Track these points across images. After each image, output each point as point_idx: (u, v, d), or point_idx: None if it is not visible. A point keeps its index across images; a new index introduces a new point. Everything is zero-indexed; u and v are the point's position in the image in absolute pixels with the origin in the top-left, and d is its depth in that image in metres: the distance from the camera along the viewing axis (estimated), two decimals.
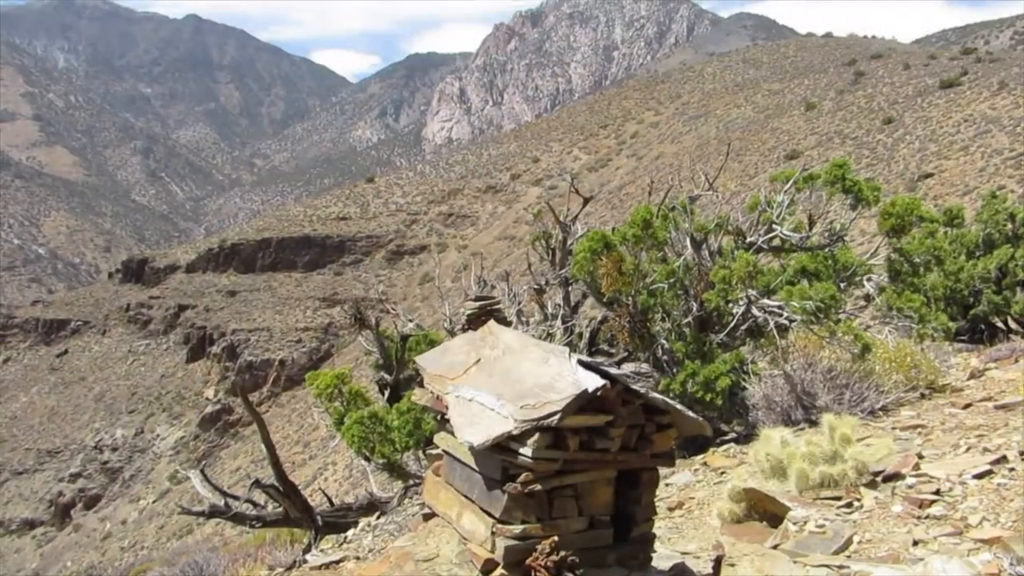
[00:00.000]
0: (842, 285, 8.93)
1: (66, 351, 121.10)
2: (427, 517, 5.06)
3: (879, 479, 5.00)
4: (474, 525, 4.30)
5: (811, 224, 9.42)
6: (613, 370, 4.08)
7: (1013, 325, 13.75)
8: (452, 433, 4.32)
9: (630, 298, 8.70)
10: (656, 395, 4.18)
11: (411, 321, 10.58)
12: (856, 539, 4.29)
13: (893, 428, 6.85)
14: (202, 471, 9.71)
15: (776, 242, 9.48)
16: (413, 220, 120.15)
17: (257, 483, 9.49)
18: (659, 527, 5.82)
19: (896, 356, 8.23)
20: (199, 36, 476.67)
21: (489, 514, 4.17)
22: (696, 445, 8.39)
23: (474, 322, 4.77)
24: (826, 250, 9.18)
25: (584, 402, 3.87)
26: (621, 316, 8.78)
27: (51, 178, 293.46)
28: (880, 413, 7.60)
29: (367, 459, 9.71)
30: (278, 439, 77.56)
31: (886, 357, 8.24)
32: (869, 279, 9.10)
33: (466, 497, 4.42)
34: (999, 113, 55.55)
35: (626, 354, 9.29)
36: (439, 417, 4.61)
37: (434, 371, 4.65)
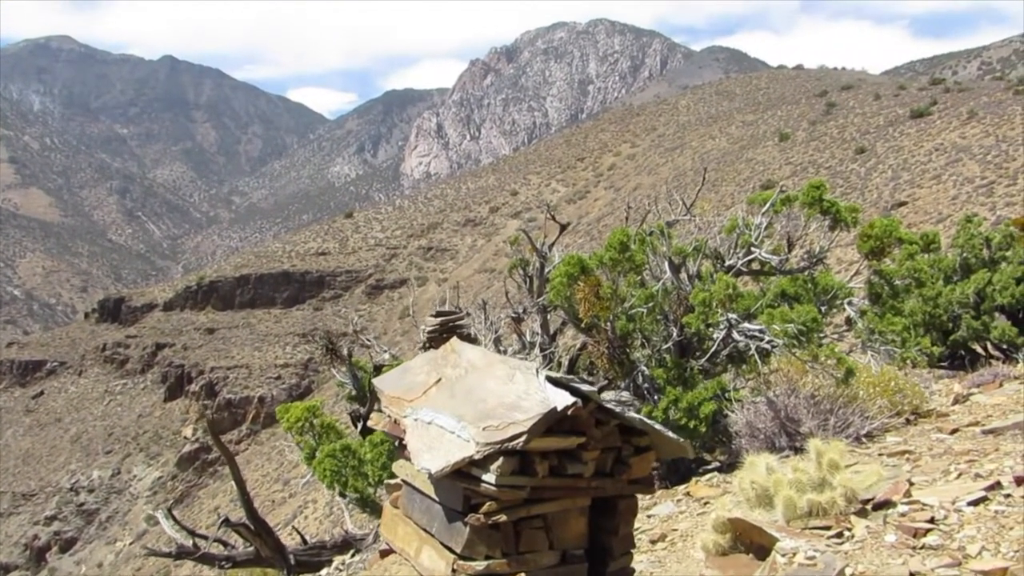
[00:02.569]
0: (823, 309, 8.81)
1: (42, 392, 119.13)
2: (384, 553, 4.70)
3: (870, 507, 4.76)
4: (434, 562, 3.96)
5: (790, 247, 9.32)
6: (585, 387, 3.81)
7: (993, 351, 13.69)
8: (411, 460, 4.01)
9: (609, 324, 8.51)
10: (633, 414, 3.92)
11: (386, 352, 10.33)
12: (848, 571, 4.00)
13: (880, 454, 6.67)
14: (169, 511, 9.36)
15: (755, 265, 9.35)
16: (392, 254, 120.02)
17: (226, 521, 9.15)
18: (640, 561, 5.57)
19: (880, 381, 8.08)
20: (175, 76, 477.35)
21: (450, 549, 3.85)
22: (679, 475, 8.17)
23: (435, 340, 4.51)
24: (806, 273, 9.07)
25: (553, 422, 3.59)
26: (600, 342, 8.59)
27: (26, 219, 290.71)
28: (865, 439, 7.43)
29: (342, 495, 9.40)
30: (257, 477, 76.32)
31: (870, 382, 8.08)
32: (850, 302, 8.98)
33: (425, 531, 4.10)
34: (969, 142, 56.51)
35: (606, 382, 9.08)
36: (397, 443, 4.31)
37: (392, 393, 4.33)
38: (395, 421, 4.22)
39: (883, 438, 7.52)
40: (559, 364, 9.89)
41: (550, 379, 3.82)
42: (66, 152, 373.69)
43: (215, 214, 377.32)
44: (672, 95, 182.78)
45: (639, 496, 4.27)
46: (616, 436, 3.90)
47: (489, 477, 3.55)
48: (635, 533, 5.97)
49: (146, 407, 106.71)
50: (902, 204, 50.30)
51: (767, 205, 9.37)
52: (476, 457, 3.54)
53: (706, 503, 6.69)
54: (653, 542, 5.89)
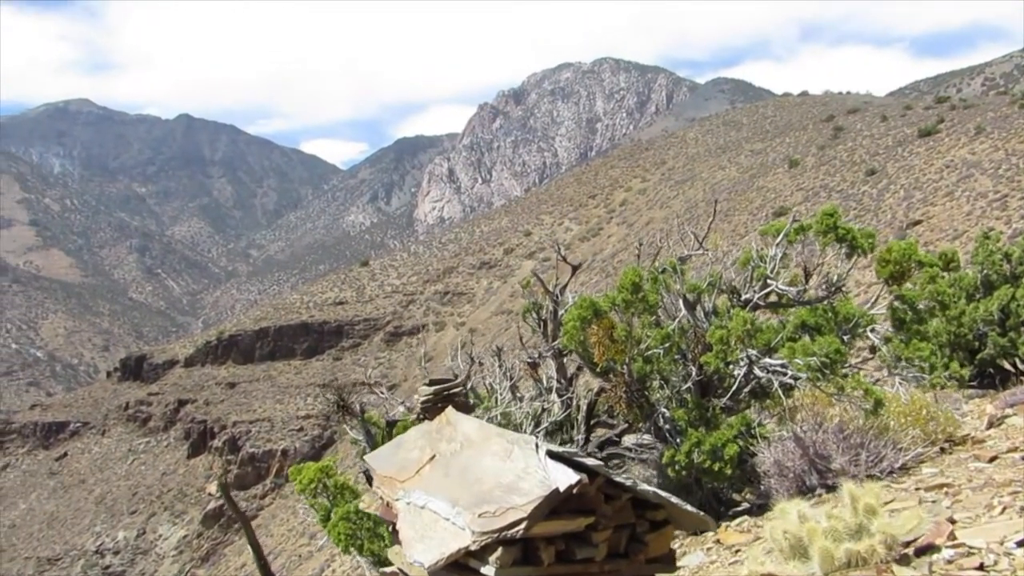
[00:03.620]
0: (845, 338, 8.54)
1: (65, 454, 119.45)
2: None
3: (912, 552, 4.41)
4: None
5: (807, 277, 9.06)
6: (590, 461, 3.46)
7: (1022, 366, 13.31)
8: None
9: (625, 366, 8.26)
10: (646, 487, 3.58)
11: (401, 404, 10.12)
12: None
13: (917, 489, 6.34)
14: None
15: (772, 298, 9.10)
16: (410, 300, 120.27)
17: None
18: None
19: (911, 410, 7.75)
20: (191, 134, 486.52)
21: None
22: None
23: (430, 411, 4.22)
24: (825, 303, 8.80)
25: (556, 503, 3.26)
26: (617, 386, 8.33)
27: (48, 281, 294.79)
28: (900, 472, 7.10)
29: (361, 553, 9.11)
30: (283, 531, 75.67)
31: (900, 411, 7.76)
32: (873, 330, 8.69)
33: None
34: (979, 157, 56.21)
35: (626, 425, 8.82)
36: (391, 528, 3.92)
37: (384, 472, 4.02)
38: (387, 504, 3.91)
39: (919, 470, 7.19)
40: (577, 408, 9.63)
41: (551, 454, 3.50)
42: (86, 213, 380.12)
43: (233, 268, 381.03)
44: (680, 128, 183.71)
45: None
46: (629, 512, 3.58)
47: (488, 570, 3.24)
48: None
49: (170, 464, 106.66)
50: (917, 223, 49.88)
51: (781, 235, 9.16)
52: (472, 548, 3.21)
53: (737, 551, 6.36)
54: None
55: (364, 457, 4.29)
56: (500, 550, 3.19)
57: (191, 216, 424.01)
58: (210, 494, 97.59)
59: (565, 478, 3.28)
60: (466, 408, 4.18)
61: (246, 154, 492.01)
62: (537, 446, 3.54)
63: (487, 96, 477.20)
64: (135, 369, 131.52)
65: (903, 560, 4.33)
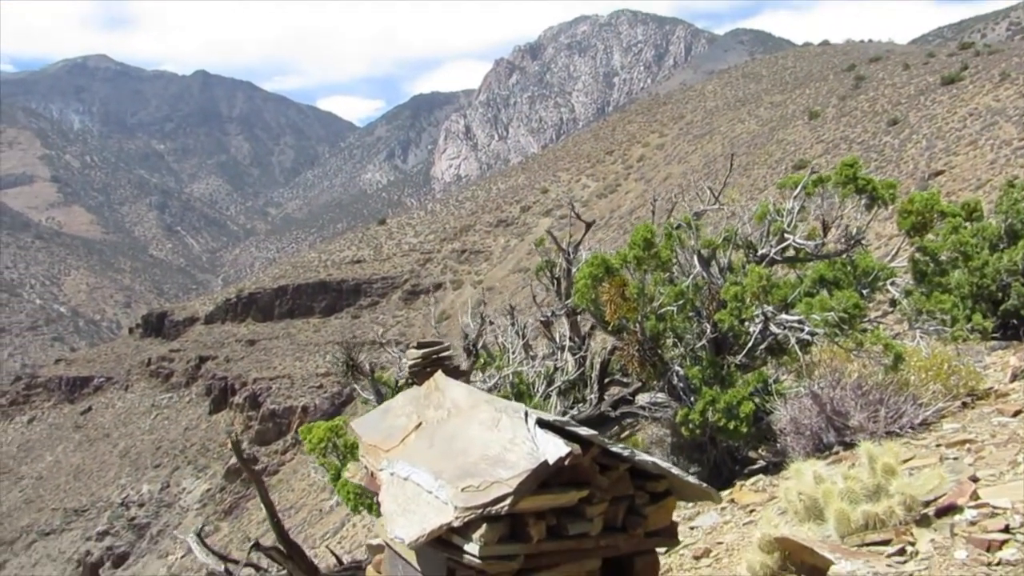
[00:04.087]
0: (864, 292, 8.28)
1: (90, 408, 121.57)
2: None
3: (932, 513, 4.23)
4: None
5: (825, 230, 8.76)
6: (583, 430, 3.21)
7: None
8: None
9: (638, 324, 8.07)
10: (644, 456, 3.33)
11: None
12: None
13: (938, 445, 6.15)
14: (199, 535, 9.11)
15: (790, 252, 8.82)
16: (427, 259, 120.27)
17: (257, 545, 8.88)
18: None
19: (932, 364, 7.53)
20: (208, 91, 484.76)
21: None
22: (721, 479, 7.73)
23: (418, 375, 4.03)
24: (844, 256, 8.53)
25: (545, 477, 3.05)
26: (630, 344, 8.14)
27: (70, 237, 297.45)
28: (920, 428, 6.92)
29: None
30: (304, 487, 76.87)
31: (920, 366, 7.53)
32: (893, 283, 8.42)
33: None
34: (1004, 104, 54.85)
35: (640, 384, 8.67)
36: (376, 500, 3.72)
37: (369, 440, 3.81)
38: (372, 474, 3.72)
39: (940, 426, 7.00)
40: (591, 367, 9.49)
41: (541, 423, 3.26)
42: (105, 169, 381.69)
43: (251, 226, 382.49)
44: (698, 81, 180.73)
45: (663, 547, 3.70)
46: (627, 483, 3.36)
47: (472, 548, 3.03)
48: (677, 549, 5.55)
49: (192, 420, 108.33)
50: (939, 173, 48.97)
51: (798, 188, 8.85)
52: (455, 524, 3.01)
53: (752, 511, 6.23)
54: (697, 558, 5.45)
55: (351, 423, 4.12)
56: (484, 527, 3.00)
57: (209, 173, 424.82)
58: (231, 449, 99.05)
59: (555, 450, 3.07)
60: (456, 373, 3.99)
61: (263, 111, 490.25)
62: (527, 415, 3.31)
63: (503, 51, 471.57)
64: (156, 325, 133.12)
65: (923, 521, 4.16)
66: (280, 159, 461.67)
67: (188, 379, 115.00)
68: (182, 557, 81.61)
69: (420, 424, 3.69)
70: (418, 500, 3.19)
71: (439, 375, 3.98)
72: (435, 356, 3.98)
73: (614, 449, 3.21)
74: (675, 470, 3.35)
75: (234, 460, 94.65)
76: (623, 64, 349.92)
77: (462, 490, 3.04)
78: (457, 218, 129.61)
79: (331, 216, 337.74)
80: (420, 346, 4.04)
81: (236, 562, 9.05)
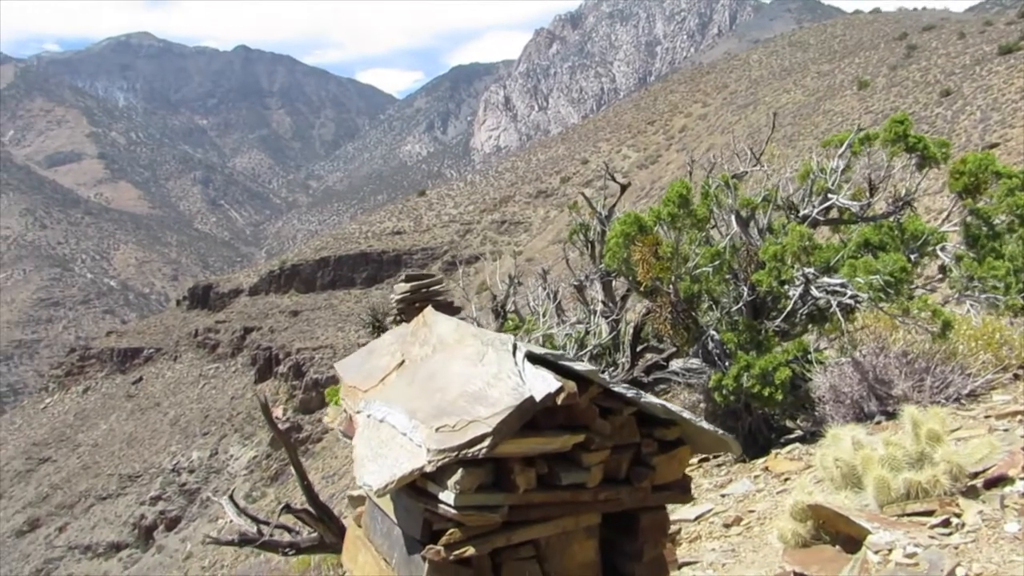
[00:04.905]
0: (913, 257, 7.88)
1: (141, 378, 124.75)
2: None
3: (980, 485, 3.92)
4: None
5: (872, 191, 8.34)
6: (581, 365, 2.85)
7: None
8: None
9: (671, 285, 7.78)
10: (653, 399, 2.96)
11: None
12: (961, 572, 3.19)
13: (987, 417, 5.83)
14: (231, 497, 9.16)
15: (833, 214, 8.44)
16: (467, 230, 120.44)
17: (288, 507, 8.90)
18: (713, 548, 4.99)
19: (982, 333, 7.15)
20: (248, 66, 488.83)
21: None
22: (757, 447, 7.47)
23: (407, 311, 3.76)
24: (891, 219, 8.11)
25: (531, 416, 2.70)
26: (663, 306, 7.86)
27: (118, 212, 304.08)
28: (968, 400, 6.58)
29: None
30: (346, 454, 77.98)
31: (971, 335, 7.16)
32: (943, 248, 7.99)
33: (386, 561, 3.25)
34: None
35: (674, 349, 8.42)
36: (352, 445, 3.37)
37: (349, 381, 3.53)
38: (350, 418, 3.40)
39: (989, 397, 6.65)
40: (624, 332, 9.25)
41: (532, 357, 2.89)
42: (151, 145, 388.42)
43: (294, 199, 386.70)
44: (743, 50, 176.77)
45: (673, 506, 3.45)
46: (633, 429, 2.99)
47: (447, 496, 2.70)
48: (707, 516, 5.36)
49: (238, 389, 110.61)
50: (994, 146, 47.30)
51: (844, 146, 8.43)
52: (428, 469, 2.66)
53: (786, 479, 6.00)
54: (727, 526, 5.25)
55: (335, 364, 3.90)
56: (460, 472, 2.65)
57: (251, 148, 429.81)
58: (277, 418, 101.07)
59: (544, 385, 2.69)
60: (449, 309, 3.71)
61: (303, 85, 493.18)
62: (515, 347, 2.96)
63: (544, 21, 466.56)
64: (202, 298, 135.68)
65: (970, 493, 3.86)
66: (321, 132, 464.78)
67: (234, 349, 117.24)
68: (230, 522, 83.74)
69: (403, 362, 3.41)
70: (391, 443, 2.90)
71: (428, 310, 3.65)
72: (425, 289, 3.69)
73: (617, 389, 2.85)
74: (687, 414, 3.00)
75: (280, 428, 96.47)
76: (666, 33, 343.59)
77: (436, 430, 2.72)
78: (497, 189, 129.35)
79: (371, 188, 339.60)
80: (409, 279, 3.76)
81: (267, 523, 9.10)
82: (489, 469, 2.74)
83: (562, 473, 2.80)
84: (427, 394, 2.98)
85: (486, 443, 2.60)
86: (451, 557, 2.73)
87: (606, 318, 9.26)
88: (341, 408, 3.55)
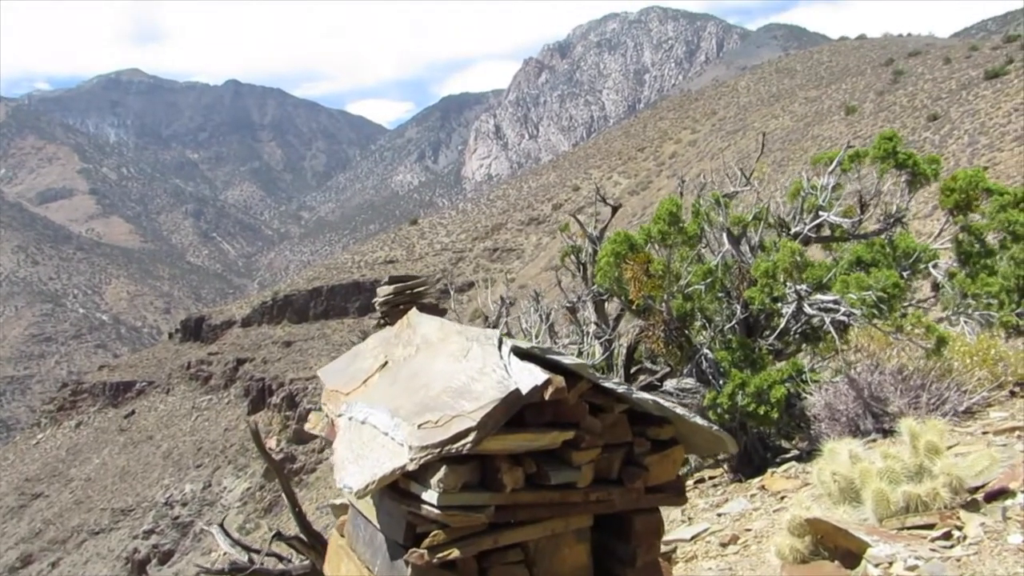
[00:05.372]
0: (905, 274, 7.86)
1: (133, 412, 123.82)
2: None
3: (981, 498, 3.86)
4: None
5: (863, 208, 8.35)
6: (569, 359, 2.76)
7: None
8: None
9: (663, 304, 7.74)
10: (645, 395, 2.87)
11: None
12: None
13: (984, 433, 5.78)
14: (222, 526, 9.01)
15: (825, 231, 8.44)
16: (459, 258, 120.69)
17: (279, 535, 8.76)
18: (709, 568, 4.90)
19: (977, 350, 7.11)
20: (239, 99, 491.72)
21: None
22: (753, 466, 7.39)
23: (391, 314, 3.70)
24: (883, 236, 8.11)
25: (517, 410, 2.59)
26: (655, 325, 7.81)
27: (110, 247, 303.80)
28: (965, 416, 6.53)
29: None
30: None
31: (965, 351, 7.11)
32: (935, 265, 7.97)
33: (369, 570, 3.12)
34: None
35: (668, 369, 8.35)
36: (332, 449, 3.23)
37: (332, 386, 3.44)
38: (332, 422, 3.29)
39: (986, 414, 6.60)
40: (617, 353, 9.19)
41: (518, 351, 2.82)
42: (142, 180, 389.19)
43: (286, 230, 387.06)
44: (731, 77, 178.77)
45: (666, 508, 3.21)
46: (624, 428, 2.90)
47: (430, 495, 2.60)
48: (704, 536, 5.27)
49: (231, 421, 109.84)
50: (983, 170, 47.79)
51: (834, 164, 8.45)
52: (410, 468, 2.55)
53: (783, 498, 5.92)
54: (724, 545, 5.17)
55: (318, 371, 3.83)
56: (444, 469, 2.54)
57: (243, 180, 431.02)
58: (271, 448, 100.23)
59: (530, 378, 2.59)
60: (434, 310, 3.64)
61: (294, 117, 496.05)
62: (501, 341, 2.89)
63: (532, 50, 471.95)
64: (195, 330, 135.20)
65: (971, 506, 3.79)
66: (312, 163, 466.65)
67: (227, 381, 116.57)
68: (224, 554, 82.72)
69: (386, 363, 3.31)
70: (373, 444, 2.77)
71: (412, 312, 3.57)
72: (409, 290, 3.63)
73: (607, 384, 2.76)
74: (680, 410, 2.89)
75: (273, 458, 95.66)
76: (654, 61, 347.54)
77: (419, 427, 2.61)
78: (488, 217, 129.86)
79: (364, 218, 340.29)
80: (392, 281, 3.71)
81: (259, 551, 8.95)
82: (474, 467, 2.64)
83: (551, 472, 2.70)
84: (410, 392, 2.89)
85: (470, 438, 2.50)
86: (435, 560, 2.62)
87: (599, 339, 9.20)
88: (323, 414, 3.46)
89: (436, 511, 2.59)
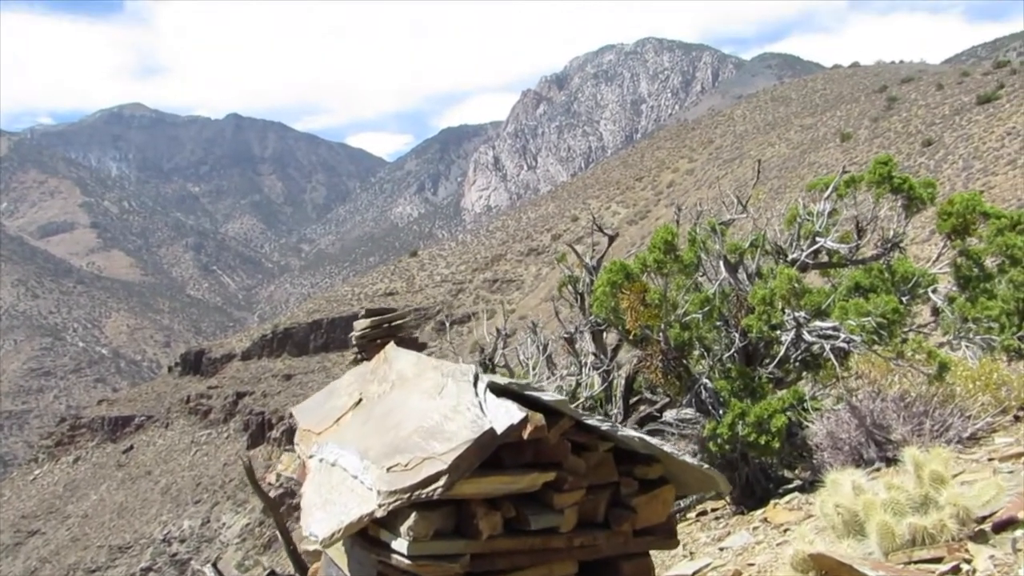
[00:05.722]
0: (904, 300, 7.79)
1: (132, 447, 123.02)
2: None
3: (989, 528, 3.73)
4: None
5: (860, 233, 8.29)
6: (549, 396, 2.58)
7: None
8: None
9: (661, 333, 7.65)
10: (631, 432, 2.72)
11: None
12: None
13: (990, 459, 5.66)
14: (215, 565, 8.85)
15: (822, 257, 8.38)
16: (459, 289, 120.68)
17: (273, 574, 8.61)
18: None
19: (980, 374, 7.00)
20: (240, 133, 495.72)
21: None
22: (755, 498, 7.24)
23: (367, 348, 3.57)
24: (881, 262, 8.04)
25: (492, 450, 2.42)
26: (653, 355, 7.72)
27: (110, 281, 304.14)
28: (970, 443, 6.42)
29: None
30: None
31: (968, 376, 7.01)
32: (935, 290, 7.90)
33: None
34: None
35: (667, 400, 8.24)
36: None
37: (304, 425, 3.30)
38: (304, 464, 3.14)
39: (991, 440, 6.49)
40: (616, 384, 9.08)
41: (494, 388, 2.62)
42: (143, 214, 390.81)
43: (286, 263, 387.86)
44: (726, 106, 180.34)
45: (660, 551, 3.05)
46: (610, 467, 2.74)
47: (400, 544, 2.42)
48: (705, 571, 5.13)
49: (231, 455, 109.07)
50: (979, 194, 47.98)
51: (829, 189, 8.42)
52: (379, 514, 2.38)
53: (786, 530, 5.78)
54: None
55: (292, 409, 3.69)
56: (414, 516, 2.38)
57: (243, 213, 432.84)
58: (270, 483, 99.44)
59: (506, 417, 2.41)
60: (414, 345, 3.50)
61: (294, 150, 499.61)
62: (476, 377, 2.68)
63: (530, 82, 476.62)
64: (195, 363, 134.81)
65: (979, 537, 3.67)
66: (312, 196, 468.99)
67: (226, 415, 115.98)
68: None
69: (360, 401, 3.14)
70: (342, 488, 2.60)
71: (390, 346, 3.38)
72: (388, 324, 3.49)
73: (590, 422, 2.57)
74: (669, 447, 2.72)
75: (272, 494, 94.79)
76: (650, 91, 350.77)
77: (387, 470, 2.44)
78: (488, 248, 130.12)
79: (363, 250, 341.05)
80: (369, 313, 3.57)
81: None
82: (448, 513, 2.48)
83: (531, 517, 2.52)
84: (381, 432, 2.71)
85: (441, 482, 2.33)
86: None
87: (597, 370, 9.10)
88: (296, 455, 3.31)
89: (407, 561, 2.42)
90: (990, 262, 7.91)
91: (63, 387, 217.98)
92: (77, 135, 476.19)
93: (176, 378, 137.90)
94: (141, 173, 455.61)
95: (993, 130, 58.39)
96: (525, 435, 2.41)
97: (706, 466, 2.73)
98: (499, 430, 2.41)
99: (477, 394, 2.59)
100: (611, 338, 9.91)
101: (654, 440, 2.58)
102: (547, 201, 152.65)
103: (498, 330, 9.02)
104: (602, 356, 9.54)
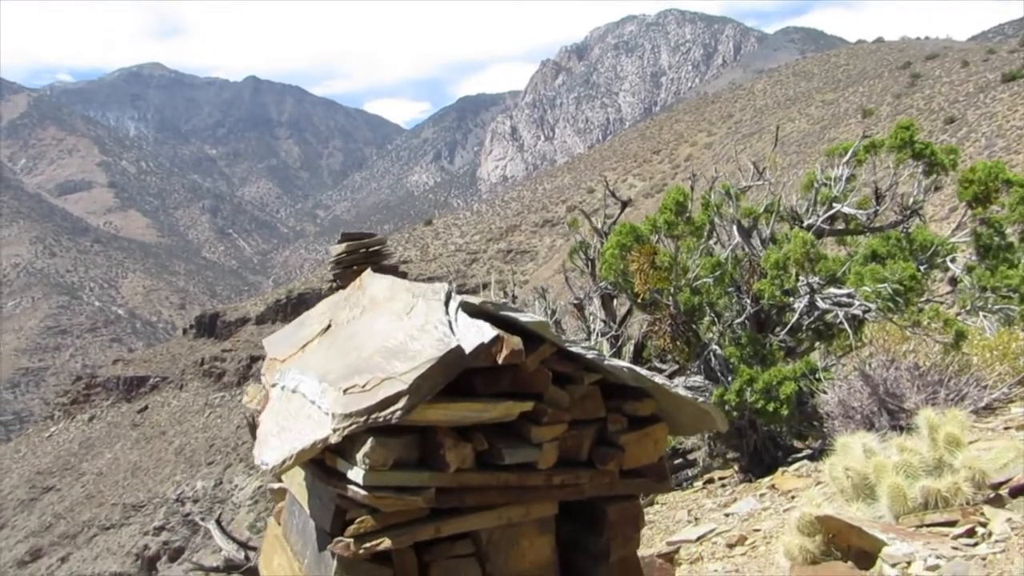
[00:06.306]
0: (922, 268, 7.58)
1: (146, 407, 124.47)
2: None
3: (1006, 493, 3.59)
4: None
5: (878, 200, 8.05)
6: (528, 317, 2.31)
7: None
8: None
9: (671, 297, 7.47)
10: (619, 363, 2.46)
11: None
12: None
13: (1006, 428, 5.52)
14: (218, 521, 8.89)
15: (839, 223, 8.15)
16: (473, 259, 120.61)
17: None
18: (716, 569, 4.67)
19: (997, 344, 6.82)
20: (258, 96, 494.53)
21: None
22: (763, 466, 7.13)
23: (344, 276, 3.37)
24: (899, 229, 7.81)
25: (458, 372, 2.17)
26: (662, 320, 7.54)
27: (127, 241, 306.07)
28: (985, 412, 6.26)
29: None
30: None
31: (985, 346, 6.82)
32: (954, 259, 7.67)
33: (299, 562, 2.71)
34: None
35: (676, 367, 8.11)
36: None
37: (272, 354, 3.08)
38: (267, 394, 2.87)
39: (1007, 410, 6.33)
40: (625, 351, 8.95)
41: (467, 307, 2.39)
42: (160, 175, 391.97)
43: (301, 228, 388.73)
44: (747, 80, 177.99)
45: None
46: (597, 402, 2.50)
47: (356, 474, 2.19)
48: (710, 536, 5.02)
49: (243, 419, 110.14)
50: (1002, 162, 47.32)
51: (849, 153, 8.17)
52: (333, 440, 2.15)
53: (793, 497, 5.68)
54: (731, 546, 4.92)
55: (264, 340, 3.53)
56: (370, 442, 2.13)
57: (260, 177, 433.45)
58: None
59: (476, 335, 2.19)
60: (394, 272, 3.30)
61: (312, 115, 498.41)
62: (448, 296, 2.47)
63: (549, 52, 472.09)
64: (209, 326, 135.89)
65: (995, 501, 3.52)
66: (329, 162, 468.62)
67: (240, 378, 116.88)
68: (236, 551, 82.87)
69: (328, 327, 2.92)
70: (299, 415, 2.38)
71: (366, 273, 3.18)
72: (364, 249, 3.31)
73: (574, 349, 2.35)
74: (661, 379, 2.49)
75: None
76: (671, 64, 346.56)
77: (344, 392, 2.21)
78: (503, 218, 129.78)
79: (379, 217, 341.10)
80: (345, 238, 3.40)
81: (255, 549, 8.81)
82: (411, 442, 2.26)
83: (506, 451, 2.30)
84: (344, 354, 2.51)
85: (400, 404, 2.09)
86: (361, 551, 2.21)
87: (606, 336, 8.97)
88: (261, 385, 3.15)
89: (363, 492, 2.20)
90: (1012, 231, 7.67)
91: (79, 346, 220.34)
92: (96, 93, 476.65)
93: (191, 340, 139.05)
94: (159, 134, 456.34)
95: (1017, 108, 57.38)
96: (500, 359, 2.18)
97: (701, 399, 2.56)
98: (467, 349, 2.19)
99: (448, 313, 2.39)
100: (621, 305, 9.77)
101: (645, 372, 2.37)
102: (563, 172, 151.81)
103: (505, 292, 8.88)
104: (611, 323, 9.42)
